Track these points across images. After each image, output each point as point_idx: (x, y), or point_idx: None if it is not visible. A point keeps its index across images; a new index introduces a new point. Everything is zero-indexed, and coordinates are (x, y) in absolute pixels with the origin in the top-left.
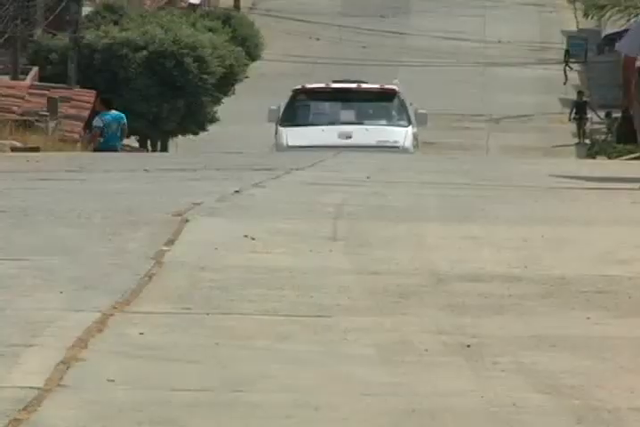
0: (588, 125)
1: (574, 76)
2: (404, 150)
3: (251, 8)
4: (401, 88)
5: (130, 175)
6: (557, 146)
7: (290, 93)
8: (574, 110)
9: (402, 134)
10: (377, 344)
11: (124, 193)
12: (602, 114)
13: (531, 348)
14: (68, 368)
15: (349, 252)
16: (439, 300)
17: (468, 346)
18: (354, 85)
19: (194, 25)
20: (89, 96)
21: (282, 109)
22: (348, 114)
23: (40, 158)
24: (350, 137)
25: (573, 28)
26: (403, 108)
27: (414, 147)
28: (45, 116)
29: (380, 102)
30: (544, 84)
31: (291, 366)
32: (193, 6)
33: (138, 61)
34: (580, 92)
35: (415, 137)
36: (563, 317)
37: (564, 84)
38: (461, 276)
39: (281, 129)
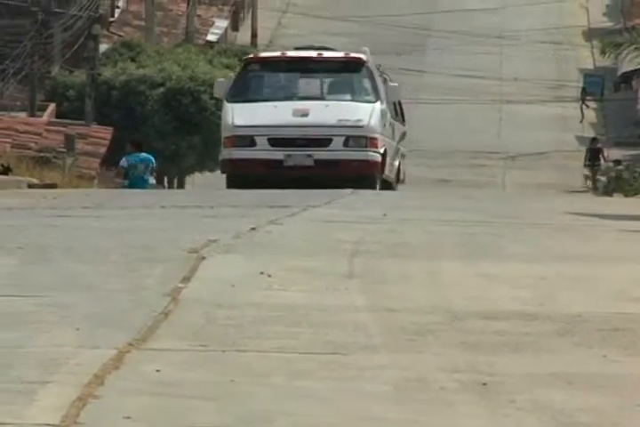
0: (601, 169)
1: (591, 114)
2: (368, 130)
3: (267, 45)
4: (370, 57)
5: (146, 212)
6: (570, 191)
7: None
8: (588, 156)
9: (367, 112)
10: (393, 382)
11: (140, 230)
12: (615, 154)
13: (547, 386)
14: (84, 405)
15: (366, 289)
16: (455, 338)
17: (484, 384)
18: (314, 54)
19: (211, 62)
20: (106, 133)
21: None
22: (306, 87)
23: (57, 195)
24: (307, 115)
25: (590, 65)
26: (371, 80)
27: (383, 127)
28: (62, 152)
29: (344, 73)
30: (560, 122)
31: (307, 404)
32: (210, 43)
33: (155, 98)
34: (594, 139)
35: (384, 114)
36: (579, 354)
37: (581, 121)
38: (477, 313)
39: (227, 106)
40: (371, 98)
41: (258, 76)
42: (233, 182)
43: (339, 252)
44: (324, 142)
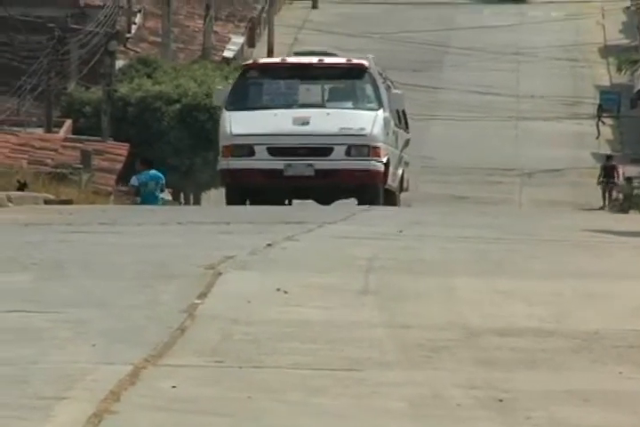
0: (615, 189)
1: (607, 131)
2: (371, 139)
3: None
4: (373, 63)
5: (163, 228)
6: (586, 208)
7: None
8: (602, 173)
9: (370, 120)
10: (409, 399)
11: (156, 246)
12: (631, 171)
13: (563, 402)
14: (100, 421)
15: (381, 305)
16: (471, 354)
17: (501, 400)
18: (314, 60)
19: (227, 78)
20: (122, 149)
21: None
22: (306, 95)
23: (73, 211)
24: (307, 123)
25: (606, 82)
26: (373, 87)
27: (386, 135)
28: (79, 168)
29: (346, 80)
30: (577, 139)
31: (323, 420)
32: (226, 60)
33: (171, 114)
34: (609, 156)
35: (387, 122)
36: (595, 371)
37: (597, 138)
38: (493, 330)
39: (226, 114)
40: (373, 105)
41: (257, 83)
42: (232, 193)
43: (354, 268)
44: (325, 151)
